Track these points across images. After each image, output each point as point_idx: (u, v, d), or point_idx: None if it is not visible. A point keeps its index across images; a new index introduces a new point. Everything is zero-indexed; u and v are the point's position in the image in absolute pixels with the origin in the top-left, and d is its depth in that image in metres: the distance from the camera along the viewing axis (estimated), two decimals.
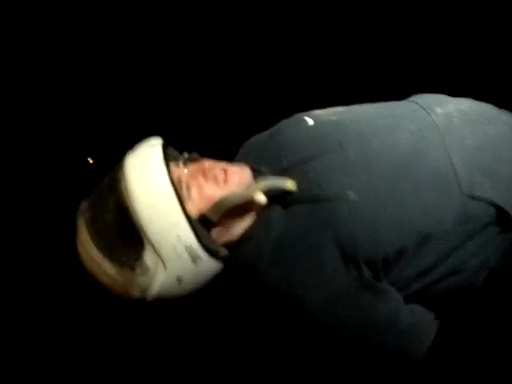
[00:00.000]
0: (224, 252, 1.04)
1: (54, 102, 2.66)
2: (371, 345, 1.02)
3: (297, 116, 1.17)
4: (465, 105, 1.14)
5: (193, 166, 1.05)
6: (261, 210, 1.05)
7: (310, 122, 1.12)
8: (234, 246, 1.06)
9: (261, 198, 1.01)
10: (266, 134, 1.21)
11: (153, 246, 0.97)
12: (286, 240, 1.01)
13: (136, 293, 1.01)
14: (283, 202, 1.04)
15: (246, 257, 1.04)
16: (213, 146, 1.32)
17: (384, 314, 1.00)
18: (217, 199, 1.00)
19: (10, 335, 2.17)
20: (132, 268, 0.98)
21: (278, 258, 1.01)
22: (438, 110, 1.10)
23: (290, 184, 1.01)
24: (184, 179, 1.01)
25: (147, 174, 0.98)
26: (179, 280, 1.00)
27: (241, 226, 1.05)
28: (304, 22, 2.50)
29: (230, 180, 1.03)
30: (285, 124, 1.18)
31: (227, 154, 1.21)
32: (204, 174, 1.03)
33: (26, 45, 2.58)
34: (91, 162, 2.68)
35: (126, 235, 0.97)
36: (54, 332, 2.19)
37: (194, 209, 1.00)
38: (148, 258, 0.98)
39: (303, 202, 1.02)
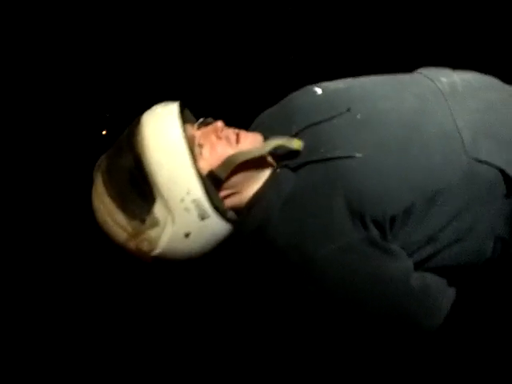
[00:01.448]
0: (232, 215, 1.07)
1: (69, 74, 2.67)
2: (379, 305, 1.01)
3: (306, 87, 1.19)
4: (469, 76, 1.15)
5: (206, 127, 1.07)
6: (270, 173, 1.07)
7: (319, 91, 1.14)
8: (243, 209, 1.07)
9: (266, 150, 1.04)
10: (275, 106, 1.24)
11: (163, 199, 0.99)
12: (296, 197, 1.02)
13: (145, 246, 1.03)
14: (292, 166, 1.05)
15: (256, 217, 1.05)
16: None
17: (393, 271, 1.00)
18: (226, 156, 1.02)
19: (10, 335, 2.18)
20: (142, 220, 1.01)
21: (288, 215, 1.02)
22: (443, 79, 1.11)
23: (296, 144, 1.04)
24: (197, 138, 1.04)
25: (162, 128, 1.01)
26: (186, 235, 1.02)
27: (249, 190, 1.07)
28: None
29: (241, 141, 1.05)
30: (294, 94, 1.20)
31: None
32: (217, 133, 1.05)
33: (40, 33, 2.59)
34: (105, 133, 2.69)
35: (138, 186, 1.00)
36: (55, 332, 2.20)
37: (205, 166, 1.02)
38: (158, 210, 1.00)
39: (312, 163, 1.03)
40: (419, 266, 1.07)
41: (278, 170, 1.06)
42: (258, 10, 2.66)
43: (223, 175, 1.02)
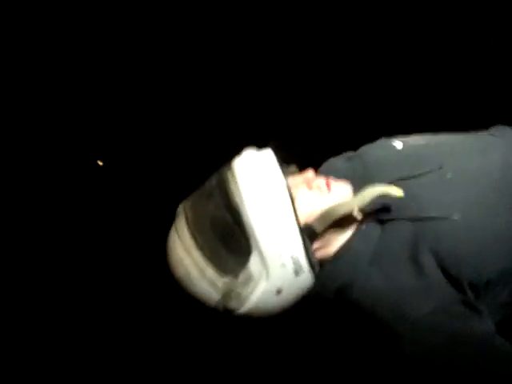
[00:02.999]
0: (318, 268, 1.01)
1: (64, 104, 2.64)
2: (469, 363, 0.97)
3: (382, 140, 1.16)
4: None
5: (295, 176, 1.03)
6: (357, 226, 1.03)
7: (399, 145, 1.11)
8: (329, 261, 1.03)
9: (358, 213, 0.99)
10: (348, 154, 1.20)
11: (260, 253, 0.94)
12: (385, 253, 0.99)
13: (233, 303, 0.97)
14: (381, 220, 1.02)
15: (342, 271, 1.01)
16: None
17: (483, 333, 0.97)
18: (322, 209, 0.98)
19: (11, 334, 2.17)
20: (235, 275, 0.95)
21: (377, 270, 0.98)
22: None
23: (397, 192, 0.97)
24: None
25: (263, 178, 0.95)
26: (278, 291, 0.97)
27: (338, 242, 1.03)
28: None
29: (334, 190, 1.01)
30: (370, 147, 1.16)
31: None
32: (308, 183, 1.01)
33: (34, 50, 2.57)
34: (101, 164, 2.67)
35: (233, 239, 0.95)
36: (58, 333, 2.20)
37: (300, 218, 0.97)
38: (253, 265, 0.94)
39: (401, 220, 1.00)
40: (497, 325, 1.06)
41: (366, 224, 1.03)
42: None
43: (320, 229, 0.98)
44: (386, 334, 0.98)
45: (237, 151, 1.05)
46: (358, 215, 1.00)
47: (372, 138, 1.17)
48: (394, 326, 0.97)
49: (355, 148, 1.19)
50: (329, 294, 1.03)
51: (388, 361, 1.06)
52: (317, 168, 1.18)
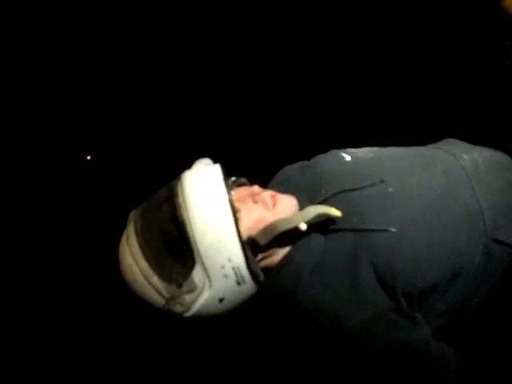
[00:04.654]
0: (262, 277, 1.06)
1: (54, 98, 2.67)
2: (403, 370, 1.03)
3: (333, 152, 1.20)
4: (487, 152, 1.19)
5: (241, 190, 1.07)
6: (300, 237, 1.07)
7: (348, 157, 1.15)
8: (273, 270, 1.07)
9: (303, 225, 1.03)
10: (301, 164, 1.23)
11: (203, 264, 0.98)
12: (326, 263, 1.03)
13: (178, 308, 1.02)
14: (322, 231, 1.06)
15: (285, 279, 1.05)
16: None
17: (418, 340, 1.03)
18: (266, 223, 1.02)
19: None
20: (180, 285, 1.00)
21: (318, 281, 1.02)
22: (465, 156, 1.14)
23: (335, 211, 1.03)
24: (234, 202, 1.03)
25: (208, 192, 1.00)
26: (221, 300, 1.02)
27: (281, 252, 1.07)
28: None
29: (278, 205, 1.04)
30: (322, 157, 1.20)
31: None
32: (253, 197, 1.04)
33: (26, 45, 2.58)
34: (89, 158, 2.68)
35: (178, 251, 0.99)
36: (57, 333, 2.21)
37: (244, 231, 1.01)
38: (196, 276, 0.99)
39: (343, 231, 1.04)
40: (433, 333, 1.09)
41: (308, 236, 1.06)
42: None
43: (264, 242, 1.01)
44: (325, 339, 1.03)
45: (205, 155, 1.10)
46: (303, 226, 1.04)
47: (327, 148, 1.21)
48: (331, 333, 1.02)
49: (311, 156, 1.23)
50: (273, 298, 1.08)
51: (326, 364, 1.12)
52: (271, 176, 1.23)
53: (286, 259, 1.06)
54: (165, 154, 2.61)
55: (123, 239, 1.06)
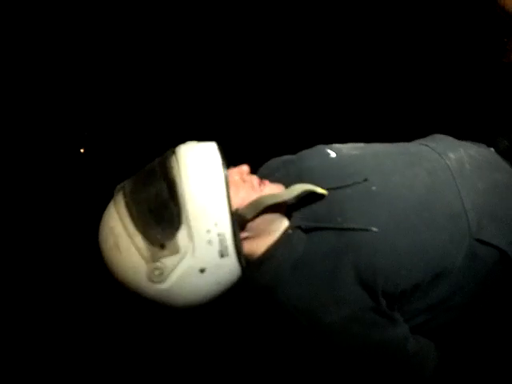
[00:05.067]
0: (244, 260, 1.03)
1: (47, 91, 2.67)
2: (380, 367, 1.05)
3: (319, 147, 1.20)
4: (473, 150, 1.18)
5: (232, 168, 1.07)
6: (284, 229, 1.07)
7: (333, 154, 1.15)
8: (254, 263, 1.07)
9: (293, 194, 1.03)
10: (286, 158, 1.23)
11: (189, 226, 0.96)
12: (307, 262, 1.03)
13: (156, 275, 0.98)
14: (306, 228, 1.06)
15: (266, 275, 1.05)
16: None
17: (395, 338, 1.04)
18: (252, 199, 1.02)
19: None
20: (162, 245, 0.97)
21: (298, 279, 1.03)
22: (451, 154, 1.14)
23: (321, 190, 1.04)
24: None
25: (202, 156, 1.00)
26: (202, 270, 0.99)
27: (264, 240, 1.07)
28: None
29: (265, 188, 1.05)
30: (307, 153, 1.20)
31: None
32: (242, 176, 1.05)
33: (18, 38, 2.59)
34: (82, 151, 2.69)
35: (165, 209, 0.97)
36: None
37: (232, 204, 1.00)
38: (181, 237, 0.97)
39: (325, 229, 1.04)
40: (413, 329, 1.10)
41: (291, 231, 1.06)
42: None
43: (250, 216, 1.01)
44: (303, 334, 1.04)
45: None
46: (288, 202, 1.04)
47: (314, 141, 1.22)
48: (310, 329, 1.03)
49: (298, 150, 1.23)
50: (254, 292, 1.08)
51: (307, 357, 1.13)
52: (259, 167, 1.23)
53: (267, 254, 1.06)
54: (158, 147, 2.58)
55: (109, 206, 1.03)
